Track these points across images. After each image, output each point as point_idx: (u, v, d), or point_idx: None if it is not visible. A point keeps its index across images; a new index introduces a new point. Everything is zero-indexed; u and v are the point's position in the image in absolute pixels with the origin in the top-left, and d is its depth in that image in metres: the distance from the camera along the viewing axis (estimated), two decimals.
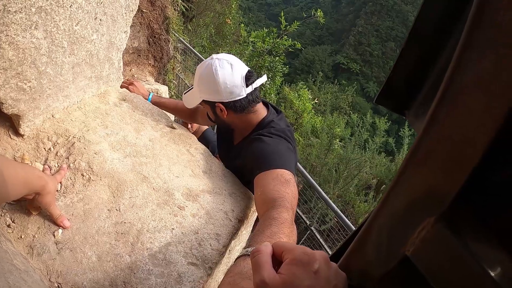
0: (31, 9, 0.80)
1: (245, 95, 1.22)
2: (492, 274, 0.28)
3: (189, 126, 2.24)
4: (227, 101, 1.22)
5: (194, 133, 2.28)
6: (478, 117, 0.26)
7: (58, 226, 0.78)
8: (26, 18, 0.79)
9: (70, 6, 0.94)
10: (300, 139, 7.13)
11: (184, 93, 1.39)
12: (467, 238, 0.31)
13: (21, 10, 0.77)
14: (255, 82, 1.24)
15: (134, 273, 0.76)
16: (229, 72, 1.20)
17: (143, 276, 0.76)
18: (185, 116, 1.74)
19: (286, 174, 1.02)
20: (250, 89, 1.22)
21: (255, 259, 0.42)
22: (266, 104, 1.35)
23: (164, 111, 1.50)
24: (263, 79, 1.29)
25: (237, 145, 1.36)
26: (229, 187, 1.18)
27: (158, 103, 1.67)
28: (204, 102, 1.29)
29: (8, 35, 0.76)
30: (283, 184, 0.98)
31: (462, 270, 0.31)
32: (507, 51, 0.23)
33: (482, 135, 0.26)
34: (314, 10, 6.78)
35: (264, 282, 0.39)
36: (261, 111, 1.29)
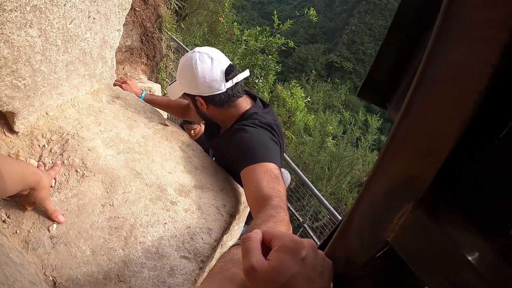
0: (26, 8, 0.81)
1: (224, 90, 1.21)
2: (469, 258, 0.30)
3: (192, 132, 2.27)
4: (206, 95, 1.22)
5: (195, 136, 2.31)
6: (449, 108, 0.28)
7: (53, 221, 0.80)
8: (21, 17, 0.80)
9: (64, 5, 0.95)
10: (293, 137, 7.17)
11: (169, 85, 1.40)
12: (445, 225, 0.32)
13: (16, 8, 0.78)
14: (236, 77, 1.23)
15: (128, 266, 0.78)
16: (209, 66, 1.20)
17: (136, 269, 0.78)
18: (178, 113, 1.75)
19: (274, 169, 1.03)
20: (230, 83, 1.22)
21: (245, 245, 0.43)
22: (254, 98, 1.35)
23: (157, 109, 1.52)
24: (245, 73, 1.29)
25: (221, 135, 1.35)
26: (221, 183, 1.20)
27: (151, 101, 1.69)
28: (185, 95, 1.30)
29: (3, 33, 0.78)
30: (274, 180, 0.99)
31: (440, 254, 0.32)
32: (473, 44, 0.25)
33: (453, 124, 0.28)
34: (307, 8, 6.81)
35: (252, 267, 0.40)
36: (243, 104, 1.28)
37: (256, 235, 0.44)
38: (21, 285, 0.54)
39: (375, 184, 0.38)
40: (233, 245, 0.62)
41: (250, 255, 0.41)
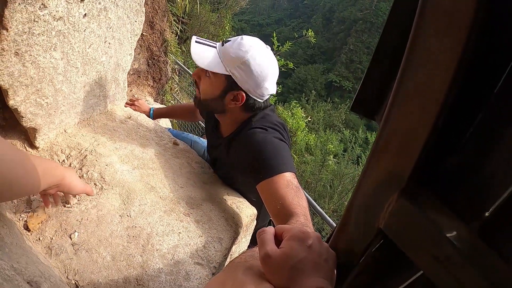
0: (51, 32, 0.89)
1: (264, 100, 1.13)
2: (448, 235, 0.34)
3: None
4: (251, 96, 1.09)
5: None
6: (417, 115, 0.35)
7: (88, 195, 0.89)
8: (47, 40, 0.88)
9: (84, 30, 1.04)
10: (295, 156, 7.22)
11: (200, 42, 1.11)
12: (426, 210, 0.37)
13: (44, 32, 0.86)
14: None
15: (146, 271, 0.82)
16: (274, 73, 1.09)
17: (154, 274, 0.82)
18: (186, 117, 1.73)
19: (293, 179, 0.99)
20: (267, 96, 1.14)
21: (261, 237, 0.49)
22: None
23: (164, 127, 1.58)
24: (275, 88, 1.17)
25: (226, 139, 1.21)
26: (228, 197, 1.26)
27: (160, 114, 1.78)
28: (226, 78, 1.07)
29: (31, 55, 0.85)
30: (297, 193, 0.96)
31: (424, 235, 0.37)
32: (433, 67, 0.33)
33: (422, 128, 0.35)
34: (305, 30, 7.02)
35: (267, 255, 0.46)
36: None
37: (270, 229, 0.51)
38: (54, 280, 0.59)
39: (366, 180, 0.45)
40: (249, 248, 0.68)
41: (265, 245, 0.47)
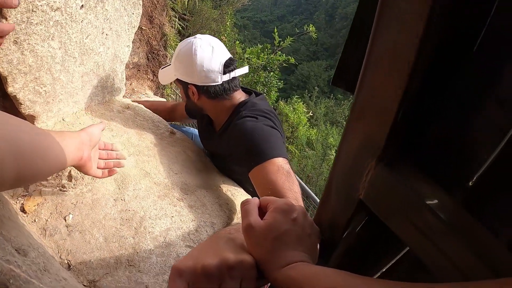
0: (49, 22, 0.92)
1: (220, 82, 1.19)
2: (429, 203, 0.33)
3: None
4: (200, 84, 1.19)
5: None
6: (389, 78, 0.35)
7: (110, 174, 0.90)
8: (45, 30, 0.91)
9: (81, 21, 1.06)
10: (296, 151, 7.24)
11: (161, 68, 1.33)
12: (406, 178, 0.36)
13: (42, 22, 0.89)
14: (234, 71, 1.21)
15: (137, 253, 0.85)
16: (209, 56, 1.16)
17: (145, 255, 0.85)
18: (163, 115, 1.71)
19: (284, 164, 1.01)
20: (227, 77, 1.19)
21: (244, 207, 0.49)
22: (249, 92, 1.32)
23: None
24: (244, 69, 1.26)
25: (220, 135, 1.29)
26: (223, 184, 1.28)
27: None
28: (178, 81, 1.26)
29: (29, 44, 0.88)
30: (288, 178, 0.97)
31: (403, 202, 0.36)
32: (401, 27, 0.32)
33: (394, 89, 0.34)
34: (306, 25, 7.02)
35: (250, 225, 0.45)
36: (237, 97, 1.25)
37: (254, 200, 0.51)
38: (43, 251, 0.62)
39: (344, 149, 0.44)
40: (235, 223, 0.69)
41: (248, 215, 0.47)
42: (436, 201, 0.34)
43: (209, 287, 0.40)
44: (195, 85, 1.21)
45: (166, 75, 1.30)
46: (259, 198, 1.14)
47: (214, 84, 1.19)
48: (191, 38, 1.22)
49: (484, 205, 0.34)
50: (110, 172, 0.91)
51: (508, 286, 0.25)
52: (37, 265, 0.50)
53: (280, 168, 0.99)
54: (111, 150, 0.93)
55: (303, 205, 0.95)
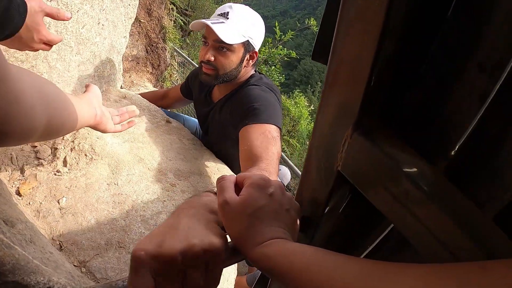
0: None
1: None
2: (408, 171, 0.32)
3: None
4: (257, 50, 1.28)
5: None
6: (359, 40, 0.34)
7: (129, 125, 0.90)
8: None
9: (77, 11, 1.09)
10: (297, 144, 7.25)
11: (213, 23, 1.19)
12: (384, 146, 0.35)
13: None
14: None
15: (128, 235, 0.88)
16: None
17: (136, 238, 0.88)
18: (156, 101, 1.71)
19: (274, 131, 1.05)
20: None
21: (220, 184, 0.47)
22: None
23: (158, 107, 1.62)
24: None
25: (219, 101, 1.36)
26: (217, 171, 1.31)
27: None
28: (243, 44, 1.23)
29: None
30: (270, 141, 1.01)
31: (379, 170, 0.35)
32: None
33: (366, 53, 0.33)
34: (307, 19, 7.00)
35: (226, 202, 0.44)
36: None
37: (230, 176, 0.50)
38: (31, 225, 0.64)
39: (321, 118, 0.43)
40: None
41: (224, 192, 0.45)
42: (415, 169, 0.32)
43: (171, 275, 0.38)
44: (256, 52, 1.28)
45: (231, 35, 1.19)
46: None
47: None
48: (250, 9, 1.29)
49: (468, 175, 0.33)
50: (130, 124, 0.91)
51: (490, 271, 0.23)
52: (23, 236, 0.52)
53: (267, 132, 1.03)
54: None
55: (277, 168, 0.94)
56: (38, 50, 0.76)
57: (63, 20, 0.76)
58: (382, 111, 0.39)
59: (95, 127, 0.80)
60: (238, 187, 0.48)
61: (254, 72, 1.35)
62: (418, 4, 0.33)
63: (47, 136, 0.59)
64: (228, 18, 1.20)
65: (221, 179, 0.49)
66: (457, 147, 0.34)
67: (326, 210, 0.51)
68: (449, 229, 0.29)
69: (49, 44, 0.76)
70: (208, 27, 1.18)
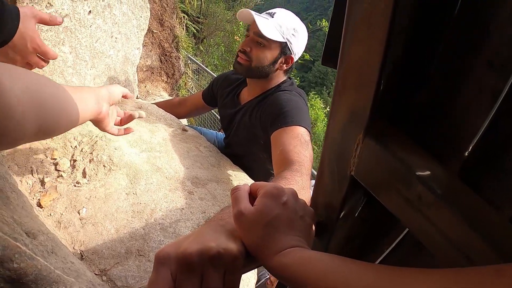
0: (59, 28, 0.97)
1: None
2: (420, 174, 0.32)
3: None
4: (294, 59, 1.32)
5: None
6: (366, 44, 0.34)
7: (126, 132, 0.91)
8: (55, 36, 0.96)
9: (90, 26, 1.11)
10: (315, 147, 7.19)
11: (257, 15, 1.25)
12: (395, 150, 0.35)
13: (51, 29, 0.94)
14: None
15: (147, 243, 0.88)
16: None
17: (155, 246, 0.88)
18: (171, 111, 1.69)
19: (306, 135, 1.08)
20: None
21: (234, 194, 0.48)
22: None
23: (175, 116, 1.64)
24: None
25: (251, 101, 1.38)
26: (236, 178, 1.31)
27: None
28: (281, 44, 1.27)
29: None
30: (303, 145, 1.03)
31: (393, 175, 0.35)
32: None
33: (373, 57, 0.33)
34: (319, 20, 6.97)
35: (240, 212, 0.44)
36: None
37: (244, 186, 0.50)
38: (53, 236, 0.65)
39: (333, 124, 0.44)
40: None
41: (238, 202, 0.46)
42: (428, 172, 0.32)
43: (190, 276, 0.39)
44: (292, 58, 1.31)
45: (271, 31, 1.24)
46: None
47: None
48: (294, 15, 1.33)
49: (483, 176, 0.33)
50: (127, 131, 0.91)
51: (506, 275, 0.22)
52: (44, 247, 0.53)
53: (299, 135, 1.06)
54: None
55: (310, 171, 0.95)
56: (33, 65, 0.74)
57: (56, 24, 0.76)
58: (393, 114, 0.38)
59: (95, 123, 0.80)
60: (252, 196, 0.49)
61: (286, 78, 1.38)
62: (424, 4, 0.32)
63: (41, 138, 0.61)
64: (273, 17, 1.26)
65: (235, 190, 0.49)
66: (470, 147, 0.33)
67: (341, 215, 0.50)
68: (463, 232, 0.29)
69: (44, 60, 0.75)
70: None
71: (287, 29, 1.25)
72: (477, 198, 0.30)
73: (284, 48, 1.27)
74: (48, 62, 0.76)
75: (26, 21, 0.66)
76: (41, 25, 0.94)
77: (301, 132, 1.07)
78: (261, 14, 1.28)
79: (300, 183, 0.86)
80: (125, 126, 0.93)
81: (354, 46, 0.36)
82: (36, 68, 0.78)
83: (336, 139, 0.44)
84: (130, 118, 0.91)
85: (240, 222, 0.45)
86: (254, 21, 1.21)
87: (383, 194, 0.38)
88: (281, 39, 1.24)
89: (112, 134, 0.86)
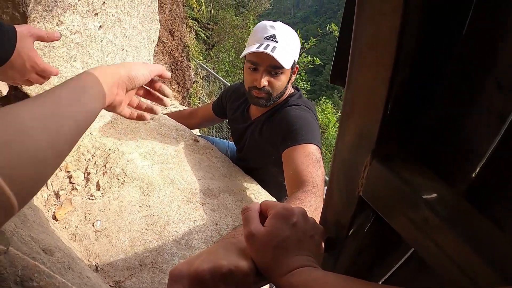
0: (70, 45, 0.99)
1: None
2: (426, 197, 0.32)
3: None
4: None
5: None
6: (373, 70, 0.34)
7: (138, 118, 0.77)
8: (66, 52, 0.98)
9: (101, 41, 1.13)
10: (326, 152, 7.14)
11: (272, 51, 1.18)
12: (401, 171, 0.35)
13: (63, 45, 0.96)
14: None
15: (161, 255, 0.89)
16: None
17: (168, 258, 0.89)
18: (181, 120, 1.68)
19: (317, 152, 1.07)
20: None
21: (245, 215, 0.48)
22: None
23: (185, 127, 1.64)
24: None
25: (258, 119, 1.36)
26: (247, 188, 1.30)
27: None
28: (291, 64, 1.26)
29: (53, 66, 0.95)
30: (315, 164, 1.03)
31: (399, 197, 0.35)
32: (381, 18, 0.32)
33: (380, 83, 0.34)
34: (328, 25, 6.96)
35: (251, 233, 0.45)
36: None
37: (255, 206, 0.51)
38: (69, 252, 0.66)
39: (341, 146, 0.44)
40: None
41: (249, 223, 0.47)
42: (434, 194, 0.33)
43: None
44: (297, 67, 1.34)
45: (286, 58, 1.20)
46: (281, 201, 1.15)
47: None
48: (286, 25, 1.29)
49: (489, 197, 0.32)
50: (139, 117, 0.79)
51: None
52: (61, 263, 0.54)
53: (311, 153, 1.06)
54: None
55: (323, 189, 0.95)
56: (33, 82, 0.73)
57: (54, 40, 0.74)
58: (400, 136, 0.38)
59: (105, 108, 0.68)
60: (263, 215, 0.50)
61: (292, 90, 1.35)
62: (431, 27, 0.32)
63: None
64: (277, 41, 1.19)
65: (245, 210, 0.50)
66: (477, 169, 0.33)
67: (350, 232, 0.51)
68: (467, 255, 0.29)
69: (43, 76, 0.73)
70: (258, 53, 1.17)
71: (291, 49, 1.24)
72: (482, 220, 0.30)
73: (293, 64, 1.27)
74: (48, 78, 0.74)
75: (23, 41, 0.66)
76: (53, 43, 0.96)
77: (312, 150, 1.07)
78: (263, 42, 1.20)
79: (314, 204, 0.86)
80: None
81: (361, 71, 0.37)
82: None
83: (345, 160, 0.45)
84: (150, 111, 0.81)
85: (251, 243, 0.46)
86: (266, 55, 1.15)
87: (390, 215, 0.38)
88: (292, 60, 1.25)
89: (122, 115, 0.73)
